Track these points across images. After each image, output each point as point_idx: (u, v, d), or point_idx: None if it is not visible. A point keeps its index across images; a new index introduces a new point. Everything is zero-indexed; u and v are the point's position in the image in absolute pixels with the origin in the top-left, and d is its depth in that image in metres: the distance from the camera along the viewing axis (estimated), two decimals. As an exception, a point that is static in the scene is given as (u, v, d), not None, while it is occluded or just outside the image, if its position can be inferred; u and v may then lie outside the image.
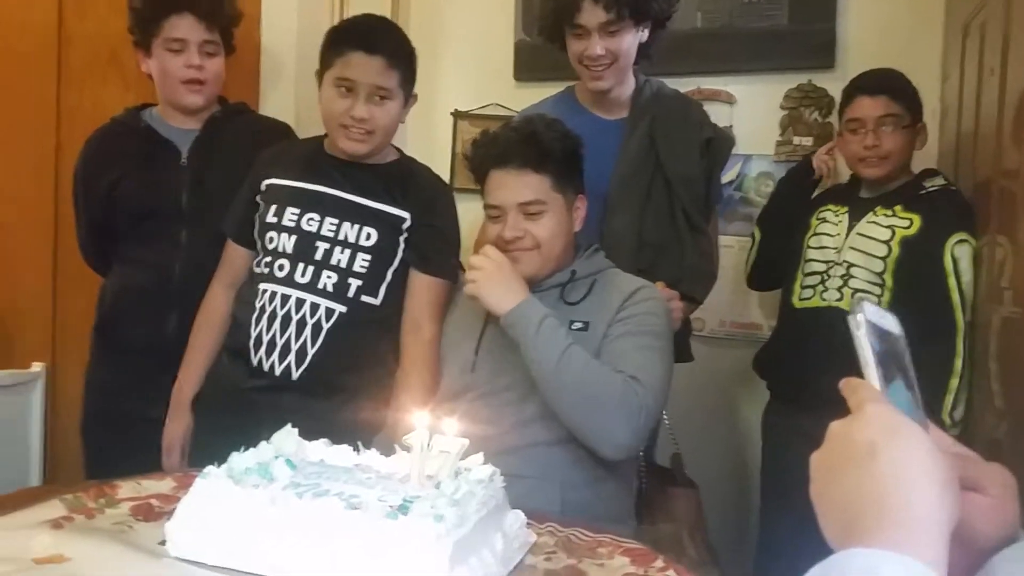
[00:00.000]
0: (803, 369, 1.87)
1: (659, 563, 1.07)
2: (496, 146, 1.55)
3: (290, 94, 2.30)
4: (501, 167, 1.52)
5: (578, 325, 1.49)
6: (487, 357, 1.53)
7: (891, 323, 0.60)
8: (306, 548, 0.93)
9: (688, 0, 2.42)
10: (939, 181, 1.93)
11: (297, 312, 1.58)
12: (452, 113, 2.83)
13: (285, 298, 1.59)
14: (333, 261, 1.59)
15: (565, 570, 1.03)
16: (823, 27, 2.41)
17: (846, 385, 0.57)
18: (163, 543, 0.99)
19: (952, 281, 1.79)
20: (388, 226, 1.62)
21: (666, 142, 1.86)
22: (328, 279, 1.59)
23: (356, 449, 1.15)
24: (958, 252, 1.80)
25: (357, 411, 1.54)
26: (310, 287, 1.59)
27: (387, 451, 1.16)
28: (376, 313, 1.62)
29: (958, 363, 1.76)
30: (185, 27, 1.82)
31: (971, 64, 1.99)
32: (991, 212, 1.78)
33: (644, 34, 1.85)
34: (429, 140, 2.87)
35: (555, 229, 1.52)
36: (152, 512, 1.10)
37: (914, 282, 1.82)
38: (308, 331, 1.58)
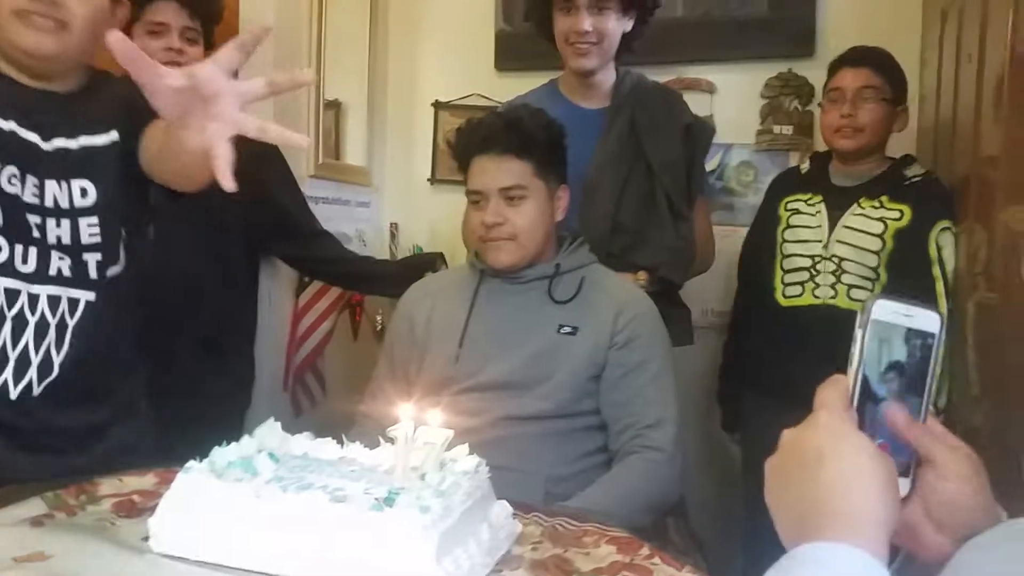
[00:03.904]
0: (794, 367, 1.82)
1: (644, 551, 1.07)
2: (479, 132, 1.55)
3: (268, 73, 2.27)
4: (484, 153, 1.53)
5: (567, 329, 1.50)
6: (471, 349, 1.52)
7: (924, 321, 0.60)
8: (291, 541, 0.92)
9: (669, -11, 2.43)
10: (919, 169, 1.94)
11: (33, 312, 1.20)
12: (433, 104, 2.81)
13: (11, 294, 1.19)
14: (51, 239, 1.21)
15: (551, 560, 1.03)
16: (802, 15, 2.43)
17: (822, 385, 0.60)
18: (146, 539, 0.97)
19: (936, 270, 1.81)
20: (100, 166, 1.24)
21: (647, 129, 1.87)
22: (61, 261, 1.22)
23: (340, 442, 1.14)
24: (942, 240, 1.82)
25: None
26: (38, 276, 1.20)
27: (368, 444, 1.15)
28: (125, 285, 1.29)
29: (940, 352, 1.77)
30: (168, 12, 1.81)
31: (949, 50, 2.01)
32: (968, 199, 1.80)
33: (629, 24, 1.86)
34: (409, 131, 2.87)
35: (536, 217, 1.53)
36: (134, 508, 1.09)
37: (904, 274, 1.83)
38: (51, 334, 1.21)
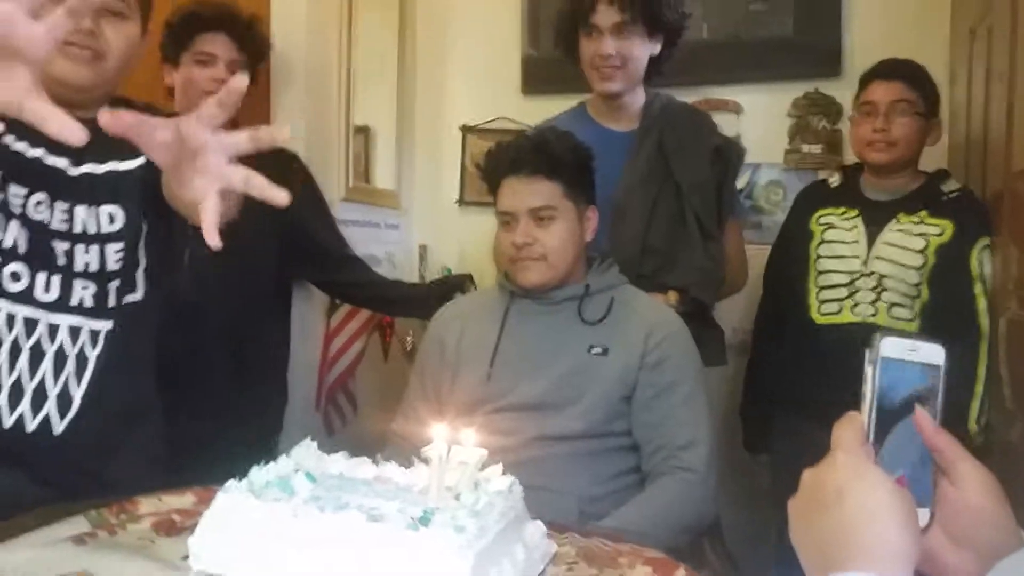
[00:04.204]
0: (830, 387, 1.77)
1: (680, 572, 1.07)
2: (509, 154, 1.58)
3: (298, 117, 2.31)
4: (513, 174, 1.55)
5: (597, 350, 1.50)
6: (503, 368, 1.53)
7: (928, 353, 0.62)
8: (328, 561, 0.93)
9: (694, 11, 2.44)
10: (955, 184, 1.91)
11: (52, 342, 1.19)
12: (460, 128, 2.84)
13: (30, 324, 1.17)
14: (79, 266, 1.20)
15: (586, 580, 1.03)
16: (829, 36, 2.43)
17: (837, 423, 0.63)
18: (186, 558, 0.99)
19: (979, 287, 1.78)
20: (127, 191, 1.23)
21: (676, 150, 1.88)
22: (84, 290, 1.21)
23: (374, 462, 1.15)
24: (983, 256, 1.79)
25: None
26: (59, 305, 1.19)
27: (401, 463, 1.16)
28: (143, 314, 1.27)
29: (982, 369, 1.74)
30: (217, 43, 1.87)
31: (978, 68, 2.00)
32: (1001, 215, 1.79)
33: (656, 47, 1.87)
34: (438, 155, 2.90)
35: (565, 237, 1.54)
36: (174, 527, 1.11)
37: (946, 290, 1.80)
38: (71, 366, 1.19)
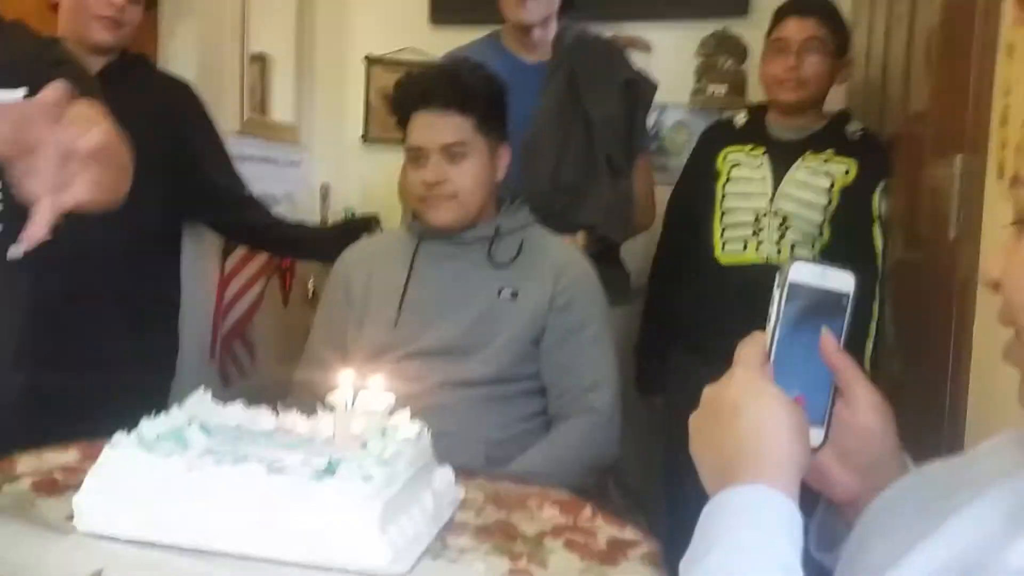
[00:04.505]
0: (733, 326, 1.82)
1: (587, 512, 1.08)
2: (420, 86, 1.50)
3: (190, 45, 2.16)
4: (424, 108, 1.48)
5: (507, 293, 1.48)
6: (411, 313, 1.49)
7: (838, 280, 0.64)
8: (228, 516, 0.88)
9: (604, -57, 2.39)
10: (858, 125, 1.92)
11: None
12: (364, 58, 2.73)
13: None
14: None
15: (496, 525, 1.03)
16: (737, -27, 2.42)
17: (742, 341, 0.65)
18: (70, 518, 0.93)
19: (877, 228, 1.82)
20: None
21: (587, 83, 1.85)
22: None
23: (275, 412, 1.10)
24: (882, 198, 1.83)
25: None
26: None
27: (305, 412, 1.11)
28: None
29: (875, 307, 1.78)
30: None
31: (880, 10, 2.03)
32: (898, 156, 1.84)
33: None
34: (340, 87, 2.78)
35: (478, 175, 1.49)
36: (56, 486, 1.04)
37: (847, 231, 1.82)
38: None
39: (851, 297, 0.64)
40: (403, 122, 1.52)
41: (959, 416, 1.32)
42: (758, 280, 1.77)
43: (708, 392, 0.63)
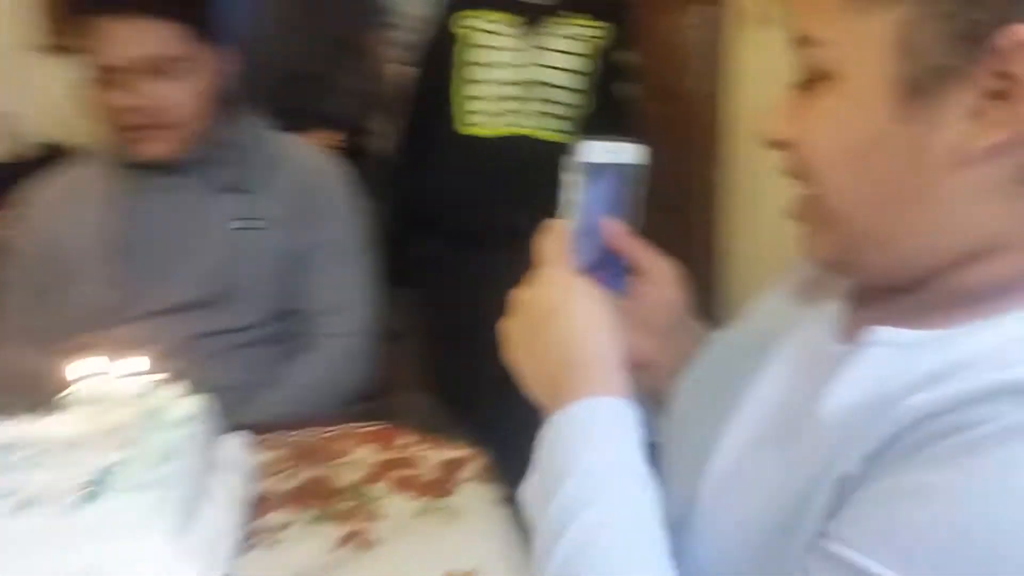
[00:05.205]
0: (487, 206, 1.69)
1: (403, 440, 1.01)
2: None
3: None
4: (112, 14, 1.18)
5: (238, 224, 1.26)
6: (131, 267, 1.24)
7: (630, 153, 0.62)
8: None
9: None
10: None
11: None
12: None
13: None
14: None
15: (310, 484, 0.92)
16: None
17: (540, 236, 0.61)
18: None
19: (624, 89, 1.80)
20: None
21: None
22: None
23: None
24: (627, 57, 1.80)
25: None
26: None
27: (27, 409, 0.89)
28: None
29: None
30: None
31: None
32: (645, 12, 1.81)
33: None
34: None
35: (199, 92, 1.23)
36: None
37: (604, 97, 1.75)
38: None
39: (644, 168, 0.62)
40: (82, 31, 1.20)
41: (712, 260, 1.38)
42: (507, 152, 1.73)
43: (519, 297, 0.61)
